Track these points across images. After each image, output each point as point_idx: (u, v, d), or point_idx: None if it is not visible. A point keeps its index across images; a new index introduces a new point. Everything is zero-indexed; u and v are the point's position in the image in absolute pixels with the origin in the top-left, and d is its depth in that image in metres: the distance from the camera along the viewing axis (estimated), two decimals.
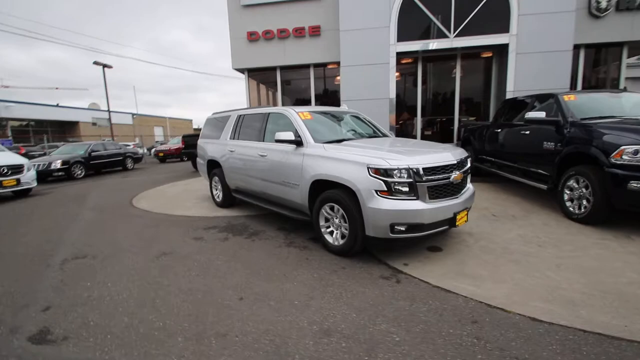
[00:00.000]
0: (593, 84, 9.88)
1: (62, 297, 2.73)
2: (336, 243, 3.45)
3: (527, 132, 5.35)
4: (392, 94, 9.77)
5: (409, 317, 2.26)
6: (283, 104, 11.12)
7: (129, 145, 16.84)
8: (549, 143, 4.78)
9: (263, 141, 4.54)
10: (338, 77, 10.50)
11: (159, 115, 47.70)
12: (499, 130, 6.32)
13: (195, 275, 3.07)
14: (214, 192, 5.96)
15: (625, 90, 5.43)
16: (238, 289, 2.77)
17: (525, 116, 5.07)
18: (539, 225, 4.10)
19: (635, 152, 3.53)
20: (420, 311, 2.34)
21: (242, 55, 10.61)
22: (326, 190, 3.48)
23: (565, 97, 4.93)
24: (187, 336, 2.14)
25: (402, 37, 9.48)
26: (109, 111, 21.25)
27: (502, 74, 9.81)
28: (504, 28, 9.03)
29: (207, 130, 6.28)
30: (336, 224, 3.46)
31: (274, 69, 10.92)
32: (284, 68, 10.88)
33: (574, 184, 4.29)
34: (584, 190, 4.13)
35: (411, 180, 2.97)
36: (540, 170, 4.96)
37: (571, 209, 4.33)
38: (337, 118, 4.60)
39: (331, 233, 3.54)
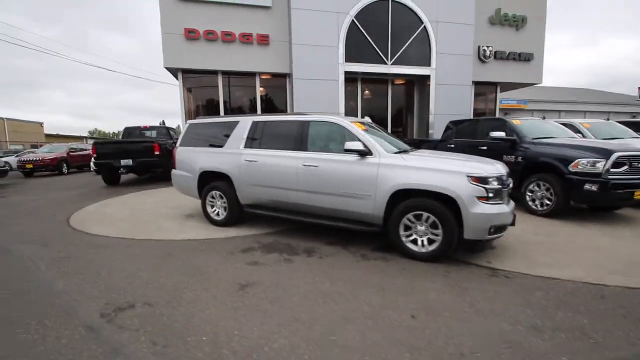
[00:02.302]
0: (480, 112, 12.86)
1: None
2: (423, 250, 3.56)
3: (485, 148, 6.66)
4: (342, 109, 10.35)
5: (557, 304, 2.62)
6: (225, 113, 10.24)
7: None
8: (508, 157, 6.10)
9: (306, 151, 4.22)
10: (256, 88, 10.36)
11: None
12: (453, 146, 7.59)
13: (323, 303, 2.65)
14: (210, 209, 5.06)
15: (544, 118, 7.45)
16: (390, 308, 2.57)
17: (490, 134, 6.33)
18: (517, 222, 5.18)
19: (586, 164, 4.96)
20: (558, 298, 2.73)
21: (177, 54, 9.33)
22: (408, 199, 3.56)
23: (515, 122, 6.42)
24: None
25: (348, 58, 10.23)
26: None
27: (423, 99, 11.75)
28: (427, 62, 10.90)
29: (193, 137, 5.32)
30: (421, 231, 3.57)
31: (215, 72, 9.98)
32: (227, 73, 10.08)
33: (535, 188, 5.62)
34: (545, 192, 5.47)
35: (500, 186, 3.41)
36: None
37: (534, 207, 5.63)
38: (375, 129, 4.70)
39: (414, 241, 3.62)
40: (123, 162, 8.83)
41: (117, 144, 9.12)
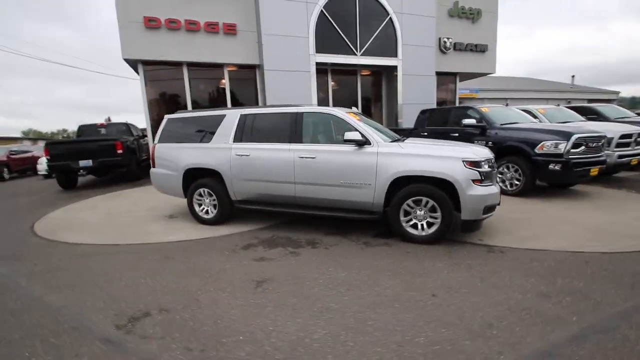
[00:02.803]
0: (441, 101, 13.51)
1: None
2: (423, 233, 3.73)
3: (457, 135, 7.07)
4: (314, 100, 10.31)
5: (554, 272, 2.91)
6: (193, 107, 9.73)
7: None
8: (479, 142, 6.53)
9: (301, 143, 4.19)
10: (223, 80, 10.04)
11: None
12: (426, 133, 7.95)
13: (346, 291, 2.69)
14: (198, 208, 4.84)
15: (507, 105, 8.03)
16: (411, 290, 2.68)
17: (463, 122, 6.72)
18: None
19: (550, 146, 5.48)
20: (552, 267, 3.03)
21: (137, 44, 8.65)
22: (408, 186, 3.70)
23: (483, 109, 6.87)
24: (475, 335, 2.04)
25: (319, 48, 10.18)
26: None
27: (390, 89, 12.08)
28: (394, 53, 11.19)
29: (173, 133, 5.02)
30: (420, 215, 3.74)
31: (179, 64, 9.42)
32: (192, 65, 9.55)
33: (505, 170, 6.10)
34: (514, 173, 5.96)
35: (490, 169, 3.66)
36: None
37: (504, 187, 6.12)
38: (367, 119, 4.76)
39: (414, 226, 3.78)
40: (82, 163, 8.06)
41: (74, 143, 8.28)
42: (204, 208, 4.84)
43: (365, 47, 10.77)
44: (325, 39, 10.24)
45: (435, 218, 3.67)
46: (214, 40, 9.39)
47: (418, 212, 3.74)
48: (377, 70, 12.01)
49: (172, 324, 2.31)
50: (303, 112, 4.29)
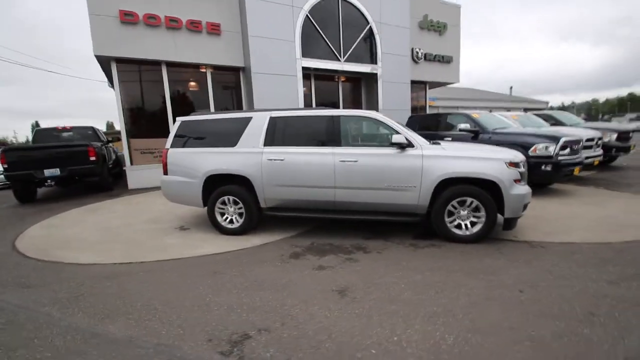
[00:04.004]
0: (414, 108, 14.20)
1: None
2: (467, 233, 3.87)
3: (450, 139, 7.49)
4: (301, 105, 10.20)
5: (601, 262, 3.20)
6: (173, 110, 9.05)
7: None
8: None
9: (340, 146, 4.11)
10: (192, 83, 9.60)
11: None
12: None
13: (436, 293, 2.68)
14: (221, 217, 4.48)
15: (491, 111, 8.68)
16: (495, 288, 2.75)
17: (459, 126, 7.14)
18: None
19: (542, 148, 6.06)
20: (595, 257, 3.33)
21: (110, 40, 7.84)
22: (453, 187, 3.82)
23: (474, 115, 7.38)
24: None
25: (305, 53, 10.14)
26: None
27: (370, 95, 12.42)
28: (375, 61, 11.56)
29: (187, 137, 4.62)
30: (464, 216, 3.88)
31: (158, 63, 8.72)
32: (172, 65, 8.90)
33: None
34: None
35: (524, 169, 3.93)
36: None
37: None
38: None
39: (457, 226, 3.90)
40: (48, 172, 7.01)
41: (38, 150, 7.11)
42: (227, 217, 4.50)
43: (349, 53, 10.97)
44: (311, 44, 10.23)
45: (478, 217, 3.83)
46: (196, 39, 8.85)
47: (461, 212, 3.87)
48: (356, 77, 12.28)
49: (284, 343, 2.09)
50: (340, 115, 4.22)
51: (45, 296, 2.89)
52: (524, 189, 3.80)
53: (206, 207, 4.52)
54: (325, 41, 10.48)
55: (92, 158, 7.47)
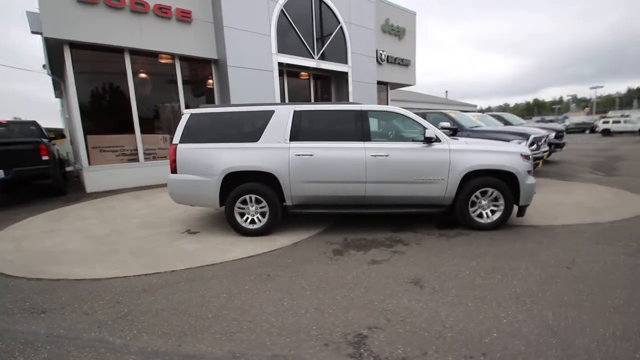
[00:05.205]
0: None
1: None
2: (489, 221, 4.17)
3: None
4: (277, 100, 9.93)
5: (606, 238, 3.72)
6: (138, 103, 8.11)
7: None
8: None
9: (370, 141, 4.11)
10: (159, 74, 8.84)
11: None
12: None
13: (502, 277, 2.84)
14: (240, 218, 4.16)
15: (468, 111, 9.38)
16: (541, 268, 3.02)
17: (440, 124, 7.61)
18: None
19: (516, 144, 6.78)
20: (602, 235, 3.86)
21: (64, 20, 6.76)
22: (476, 179, 4.09)
23: (451, 114, 7.96)
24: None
25: (280, 49, 9.89)
26: None
27: (340, 93, 12.60)
28: (345, 60, 11.76)
29: (199, 131, 4.19)
30: (485, 205, 4.18)
31: (120, 50, 7.74)
32: (136, 53, 7.97)
33: None
34: None
35: (533, 161, 4.38)
36: None
37: None
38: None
39: (479, 215, 4.19)
40: None
41: None
42: (247, 217, 4.20)
43: (322, 51, 10.99)
44: (286, 40, 10.02)
45: (497, 206, 4.16)
46: (165, 26, 8.05)
47: (482, 202, 4.17)
48: (326, 75, 12.35)
49: (406, 338, 2.04)
50: (367, 110, 4.23)
51: (78, 320, 2.38)
52: (532, 178, 4.23)
53: (220, 208, 4.17)
54: (300, 38, 10.35)
55: (45, 157, 6.34)
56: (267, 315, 2.36)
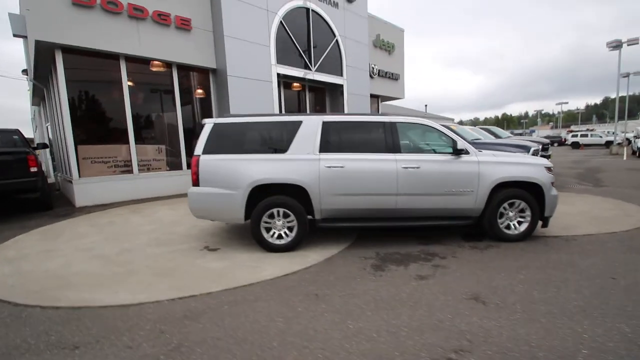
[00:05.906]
0: None
1: None
2: (516, 232, 4.20)
3: None
4: (276, 111, 9.79)
5: (632, 248, 3.83)
6: (133, 112, 7.71)
7: None
8: None
9: (400, 152, 4.05)
10: (156, 82, 8.57)
11: None
12: None
13: (557, 289, 2.80)
14: (267, 233, 3.94)
15: (462, 124, 9.61)
16: (585, 279, 3.03)
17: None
18: None
19: None
20: (623, 244, 3.97)
21: (57, 23, 6.36)
22: (505, 190, 4.13)
23: (452, 127, 8.13)
24: None
25: (279, 60, 9.82)
26: None
27: (334, 105, 12.64)
28: (340, 73, 11.86)
29: (223, 142, 3.98)
30: (512, 216, 4.21)
31: (116, 57, 7.36)
32: (133, 60, 7.62)
33: None
34: None
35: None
36: None
37: None
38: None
39: (507, 227, 4.21)
40: None
41: None
42: (274, 232, 3.99)
43: (319, 63, 11.01)
44: (284, 51, 9.97)
45: (524, 217, 4.21)
46: (163, 33, 7.78)
47: (510, 213, 4.20)
48: (320, 87, 12.38)
49: (499, 358, 1.93)
50: (396, 122, 4.19)
51: (122, 356, 2.09)
52: (556, 191, 4.32)
53: (242, 222, 3.94)
54: (298, 49, 10.34)
55: (33, 169, 5.84)
56: (338, 340, 2.18)
